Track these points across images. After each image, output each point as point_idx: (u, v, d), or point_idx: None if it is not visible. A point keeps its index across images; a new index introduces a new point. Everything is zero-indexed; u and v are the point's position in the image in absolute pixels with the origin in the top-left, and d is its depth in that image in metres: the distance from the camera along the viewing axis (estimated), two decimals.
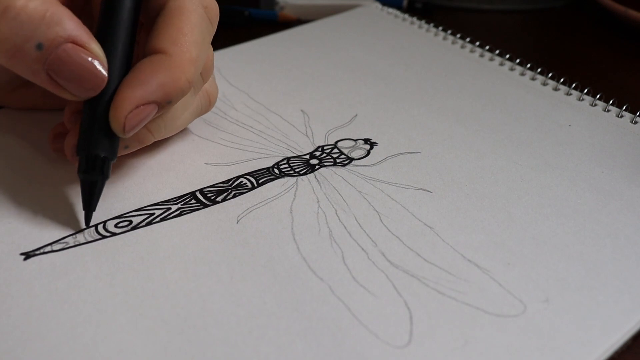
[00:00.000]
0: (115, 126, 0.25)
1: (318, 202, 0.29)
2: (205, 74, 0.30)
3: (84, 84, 0.25)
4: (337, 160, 0.32)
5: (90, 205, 0.26)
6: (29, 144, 0.31)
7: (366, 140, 0.33)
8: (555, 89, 0.39)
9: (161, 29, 0.26)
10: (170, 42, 0.26)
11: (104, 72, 0.25)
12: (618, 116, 0.36)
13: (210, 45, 0.29)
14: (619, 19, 0.50)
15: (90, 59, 0.25)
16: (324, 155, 0.32)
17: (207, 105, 0.32)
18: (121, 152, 0.27)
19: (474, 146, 0.33)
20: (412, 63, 0.41)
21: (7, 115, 0.33)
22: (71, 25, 0.24)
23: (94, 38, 0.25)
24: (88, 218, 0.26)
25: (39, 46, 0.24)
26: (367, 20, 0.48)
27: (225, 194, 0.29)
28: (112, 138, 0.26)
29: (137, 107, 0.25)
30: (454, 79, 0.40)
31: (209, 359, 0.21)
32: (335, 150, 0.32)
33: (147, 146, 0.31)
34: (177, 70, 0.26)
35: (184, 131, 0.33)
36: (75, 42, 0.24)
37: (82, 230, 0.26)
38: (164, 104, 0.26)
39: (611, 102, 0.37)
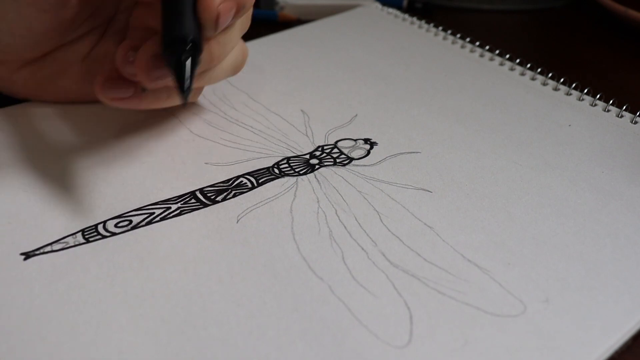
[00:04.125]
0: (208, 15, 0.26)
1: (318, 201, 0.29)
2: (247, 20, 0.31)
3: None
4: (337, 160, 0.32)
5: (186, 82, 0.26)
6: (28, 143, 0.31)
7: (366, 140, 0.33)
8: (555, 89, 0.39)
9: None
10: None
11: None
12: (618, 116, 0.36)
13: None
14: (619, 19, 0.50)
15: None
16: (324, 155, 0.32)
17: (242, 60, 0.33)
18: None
19: (474, 146, 0.33)
20: (412, 63, 0.41)
21: (7, 114, 0.33)
22: None
23: None
24: (187, 95, 0.26)
25: None
26: (367, 20, 0.48)
27: (225, 194, 0.29)
28: (199, 32, 0.26)
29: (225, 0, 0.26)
30: (454, 79, 0.40)
31: (209, 359, 0.21)
32: (335, 150, 0.32)
33: (143, 146, 0.31)
34: None
35: (183, 131, 0.33)
36: None
37: (82, 230, 0.26)
38: (240, 7, 0.27)
39: (611, 102, 0.37)
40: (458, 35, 0.44)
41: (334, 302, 0.24)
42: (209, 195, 0.29)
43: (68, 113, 0.33)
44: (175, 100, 0.31)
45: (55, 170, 0.29)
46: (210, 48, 0.28)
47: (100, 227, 0.27)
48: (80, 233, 0.26)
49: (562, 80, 0.39)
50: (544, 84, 0.39)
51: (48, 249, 0.25)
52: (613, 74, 0.45)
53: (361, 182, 0.30)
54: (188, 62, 0.26)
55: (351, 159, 0.32)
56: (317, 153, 0.32)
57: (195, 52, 0.26)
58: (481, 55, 0.42)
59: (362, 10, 0.49)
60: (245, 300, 0.24)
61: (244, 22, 0.31)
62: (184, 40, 0.26)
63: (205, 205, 0.28)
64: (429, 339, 0.22)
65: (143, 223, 0.27)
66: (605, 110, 0.37)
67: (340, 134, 0.34)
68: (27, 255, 0.25)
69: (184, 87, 0.26)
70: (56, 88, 0.33)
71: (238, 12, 0.27)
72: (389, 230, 0.27)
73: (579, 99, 0.38)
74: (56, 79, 0.32)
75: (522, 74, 0.40)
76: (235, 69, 0.33)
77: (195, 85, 0.28)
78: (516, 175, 0.31)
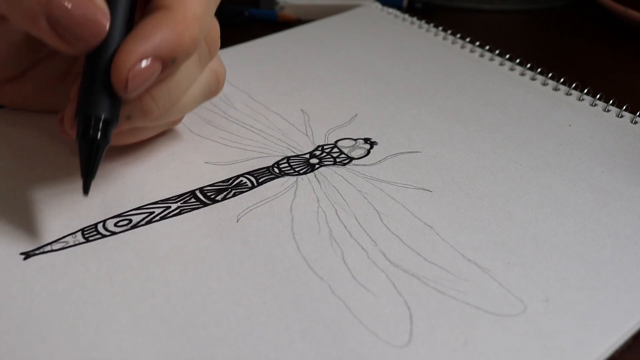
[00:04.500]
0: (117, 83, 0.24)
1: (318, 201, 0.29)
2: (212, 46, 0.28)
3: (84, 34, 0.24)
4: (337, 160, 0.32)
5: (89, 172, 0.24)
6: (28, 143, 0.31)
7: (366, 140, 0.33)
8: (555, 89, 0.39)
9: None
10: None
11: (105, 22, 0.24)
12: (618, 116, 0.36)
13: (215, 18, 0.28)
14: (619, 19, 0.50)
15: (91, 8, 0.24)
16: (324, 154, 0.32)
17: (216, 84, 0.31)
18: (124, 124, 0.26)
19: (474, 146, 0.33)
20: (412, 63, 0.41)
21: (7, 114, 0.33)
22: None
23: None
24: (87, 186, 0.25)
25: None
26: (367, 20, 0.48)
27: (225, 193, 0.29)
28: (114, 100, 0.24)
29: (140, 62, 0.24)
30: (454, 79, 0.40)
31: (209, 359, 0.21)
32: (335, 150, 0.32)
33: (143, 146, 0.31)
34: (182, 26, 0.25)
35: (183, 130, 0.33)
36: None
37: (82, 230, 0.26)
38: (168, 61, 0.25)
39: (611, 102, 0.37)
40: (458, 35, 0.44)
41: (334, 302, 0.24)
42: (209, 194, 0.29)
43: None
44: (139, 137, 0.29)
45: (54, 169, 0.29)
46: (142, 105, 0.26)
47: (100, 227, 0.26)
48: (80, 232, 0.26)
49: (562, 80, 0.39)
50: (544, 84, 0.39)
51: (48, 248, 0.25)
52: (613, 74, 0.45)
53: (361, 182, 0.30)
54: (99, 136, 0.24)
55: (351, 159, 0.32)
56: (317, 152, 0.32)
57: (106, 129, 0.24)
58: (481, 55, 0.42)
59: (362, 10, 0.49)
60: (245, 299, 0.24)
61: (203, 55, 0.28)
62: (88, 118, 0.24)
63: (205, 205, 0.28)
64: (429, 339, 0.22)
65: (143, 222, 0.27)
66: (605, 110, 0.37)
67: (340, 134, 0.34)
68: (27, 255, 0.25)
69: (85, 172, 0.25)
70: (43, 103, 0.32)
71: (167, 67, 0.25)
72: (389, 229, 0.27)
73: (579, 99, 0.38)
74: (41, 94, 0.31)
75: (522, 74, 0.40)
76: (208, 96, 0.31)
77: (162, 109, 0.27)
78: (516, 175, 0.31)
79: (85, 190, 0.25)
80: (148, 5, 0.26)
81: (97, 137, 0.24)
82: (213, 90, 0.31)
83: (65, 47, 0.24)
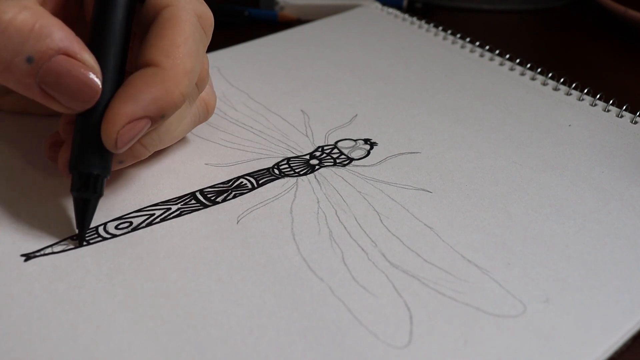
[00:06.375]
0: (108, 142, 0.25)
1: (318, 202, 0.29)
2: (201, 83, 0.29)
3: (78, 96, 0.24)
4: (337, 161, 0.32)
5: (83, 224, 0.26)
6: (29, 145, 0.31)
7: (366, 141, 0.33)
8: (555, 89, 0.39)
9: (154, 40, 0.26)
10: (163, 55, 0.25)
11: (98, 83, 0.24)
12: (618, 116, 0.36)
13: (206, 55, 0.29)
14: (619, 19, 0.50)
15: (83, 70, 0.24)
16: (324, 155, 0.32)
17: (205, 114, 0.31)
18: (115, 167, 0.27)
19: (474, 146, 0.33)
20: (412, 63, 0.41)
21: (7, 118, 0.33)
22: (61, 36, 0.23)
23: (86, 48, 0.24)
24: (82, 237, 0.26)
25: (30, 59, 0.23)
26: (367, 20, 0.48)
27: (225, 195, 0.29)
28: (105, 154, 0.25)
29: (130, 122, 0.24)
30: (454, 79, 0.40)
31: (209, 359, 0.21)
32: (335, 151, 0.32)
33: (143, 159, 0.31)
34: (171, 83, 0.25)
35: None
36: (67, 54, 0.23)
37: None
38: (157, 118, 0.25)
39: (611, 102, 0.37)
40: (458, 35, 0.44)
41: (333, 303, 0.24)
42: (209, 196, 0.29)
43: None
44: (130, 161, 0.29)
45: (55, 171, 0.29)
46: (133, 152, 0.27)
47: (100, 229, 0.27)
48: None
49: (562, 80, 0.39)
50: (544, 84, 0.39)
51: (48, 250, 0.25)
52: (613, 74, 0.45)
53: (361, 183, 0.30)
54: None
55: (351, 160, 0.32)
56: (317, 153, 0.32)
57: (98, 182, 0.25)
58: (481, 55, 0.42)
59: (362, 10, 0.49)
60: (245, 300, 0.24)
61: (192, 94, 0.29)
62: (81, 174, 0.25)
63: (206, 206, 0.28)
64: (429, 339, 0.22)
65: (143, 224, 0.27)
66: (605, 110, 0.37)
67: (340, 134, 0.34)
68: (28, 257, 0.25)
69: (80, 225, 0.26)
70: (44, 110, 0.32)
71: (155, 122, 0.25)
72: (389, 230, 0.27)
73: (579, 99, 0.38)
74: (40, 103, 0.32)
75: (522, 74, 0.40)
76: (197, 124, 0.31)
77: (152, 151, 0.28)
78: (516, 175, 0.31)
79: (80, 241, 0.26)
80: (138, 59, 0.26)
81: (91, 193, 0.25)
82: (202, 118, 0.31)
83: (60, 109, 0.25)
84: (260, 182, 0.30)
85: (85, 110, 0.25)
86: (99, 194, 0.26)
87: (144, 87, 0.25)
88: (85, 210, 0.26)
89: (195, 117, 0.30)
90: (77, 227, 0.26)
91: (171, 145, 0.32)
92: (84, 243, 0.26)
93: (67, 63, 0.24)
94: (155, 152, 0.31)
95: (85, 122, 0.25)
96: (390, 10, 0.49)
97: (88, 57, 0.24)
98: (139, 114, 0.24)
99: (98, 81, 0.24)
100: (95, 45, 0.25)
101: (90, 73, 0.24)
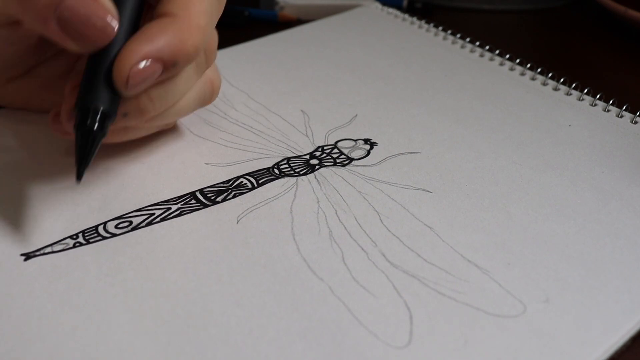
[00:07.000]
0: (119, 79, 0.25)
1: (318, 202, 0.29)
2: (210, 55, 0.29)
3: (94, 34, 0.25)
4: (337, 161, 0.32)
5: (83, 160, 0.25)
6: (29, 144, 0.31)
7: (366, 140, 0.33)
8: (555, 89, 0.39)
9: None
10: (180, 7, 0.26)
11: (115, 23, 0.25)
12: (618, 116, 0.36)
13: (215, 30, 0.29)
14: (619, 19, 0.50)
15: (100, 10, 0.25)
16: (324, 155, 0.32)
17: (211, 93, 0.31)
18: (120, 120, 0.26)
19: (474, 146, 0.33)
20: (412, 63, 0.41)
21: (7, 115, 0.33)
22: None
23: None
24: (80, 173, 0.25)
25: None
26: (367, 20, 0.48)
27: (225, 194, 0.29)
28: (113, 95, 0.25)
29: (142, 61, 0.25)
30: (454, 79, 0.40)
31: (209, 359, 0.21)
32: (335, 151, 0.32)
33: (143, 147, 0.31)
34: (186, 33, 0.26)
35: (184, 131, 0.33)
36: None
37: (82, 231, 0.26)
38: (169, 65, 0.26)
39: (611, 102, 0.37)
40: (458, 35, 0.44)
41: (333, 303, 0.24)
42: (209, 195, 0.29)
43: None
44: (133, 135, 0.30)
45: (55, 170, 0.29)
46: (139, 103, 0.27)
47: (100, 228, 0.27)
48: (80, 234, 0.26)
49: (562, 80, 0.39)
50: (544, 84, 0.39)
51: (48, 249, 0.25)
52: (613, 74, 0.45)
53: (361, 183, 0.30)
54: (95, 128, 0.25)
55: (351, 159, 0.32)
56: (317, 153, 0.32)
57: (103, 122, 0.25)
58: (481, 55, 0.42)
59: (362, 10, 0.49)
60: (245, 300, 0.24)
61: (201, 63, 0.29)
62: (86, 109, 0.25)
63: (206, 206, 0.28)
64: (429, 339, 0.22)
65: (143, 224, 0.27)
66: (605, 110, 0.37)
67: (340, 134, 0.34)
68: (28, 256, 0.25)
69: (79, 160, 0.25)
70: (44, 101, 0.32)
71: (167, 69, 0.26)
72: (389, 230, 0.27)
73: (579, 99, 0.38)
74: (43, 93, 0.32)
75: (522, 74, 0.40)
76: (202, 103, 0.31)
77: (158, 110, 0.27)
78: (516, 175, 0.31)
79: (79, 177, 0.25)
80: (154, 12, 0.27)
81: (94, 127, 0.25)
82: (207, 98, 0.31)
83: (75, 47, 0.25)
84: (260, 181, 0.30)
85: (98, 51, 0.25)
86: (103, 133, 0.25)
87: (159, 32, 0.25)
88: (90, 144, 0.25)
89: (201, 93, 0.31)
90: (77, 163, 0.25)
91: (171, 144, 0.32)
92: (84, 242, 0.26)
93: (86, 1, 0.24)
94: (156, 144, 0.31)
95: (97, 61, 0.25)
96: (390, 10, 0.49)
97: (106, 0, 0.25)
98: (153, 55, 0.25)
99: (115, 22, 0.25)
100: None
101: (108, 14, 0.25)
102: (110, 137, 0.27)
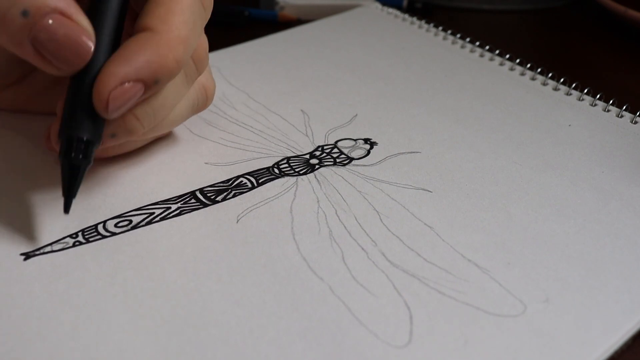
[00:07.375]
0: (98, 104, 0.24)
1: (318, 201, 0.29)
2: (199, 63, 0.28)
3: (69, 56, 0.24)
4: (337, 160, 0.32)
5: (70, 192, 0.25)
6: (29, 144, 0.31)
7: (366, 140, 0.33)
8: (555, 89, 0.39)
9: (151, 8, 0.25)
10: (158, 21, 0.25)
11: (90, 44, 0.24)
12: (618, 116, 0.36)
13: (204, 34, 0.28)
14: (619, 19, 0.50)
15: (76, 30, 0.24)
16: (324, 155, 0.32)
17: (204, 100, 0.31)
18: (108, 141, 0.26)
19: (474, 146, 0.33)
20: (412, 63, 0.41)
21: (6, 117, 0.33)
22: None
23: (82, 12, 0.24)
24: (67, 205, 0.25)
25: (25, 13, 0.23)
26: (367, 20, 0.48)
27: (225, 194, 0.29)
28: (96, 120, 0.25)
29: (122, 84, 0.24)
30: (454, 79, 0.40)
31: (209, 359, 0.21)
32: (335, 150, 0.32)
33: (143, 147, 0.31)
34: (165, 48, 0.25)
35: (183, 131, 0.33)
36: (62, 13, 0.23)
37: (82, 230, 0.26)
38: (150, 83, 0.25)
39: (611, 102, 0.37)
40: (458, 35, 0.44)
41: (333, 302, 0.24)
42: (209, 195, 0.29)
43: None
44: (127, 149, 0.29)
45: (55, 170, 0.29)
46: (126, 124, 0.26)
47: (100, 227, 0.27)
48: (80, 233, 0.26)
49: (562, 80, 0.39)
50: (544, 84, 0.39)
51: (48, 249, 0.25)
52: (613, 74, 0.45)
53: (361, 182, 0.30)
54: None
55: (351, 159, 0.32)
56: (317, 153, 0.32)
57: (87, 149, 0.25)
58: (481, 55, 0.42)
59: (362, 10, 0.49)
60: (245, 300, 0.24)
61: (190, 73, 0.28)
62: (70, 138, 0.24)
63: (205, 205, 0.28)
64: (429, 339, 0.22)
65: (143, 223, 0.27)
66: (605, 110, 0.37)
67: (340, 134, 0.34)
68: (27, 256, 0.25)
69: (66, 191, 0.25)
70: (43, 105, 0.32)
71: (149, 88, 0.25)
72: (389, 230, 0.27)
73: (579, 99, 0.38)
74: (41, 97, 0.32)
75: (522, 74, 0.40)
76: (196, 110, 0.31)
77: (146, 127, 0.27)
78: (516, 175, 0.31)
79: (66, 209, 0.25)
80: (134, 26, 0.26)
81: (78, 158, 0.25)
82: (202, 104, 0.31)
83: (52, 70, 0.24)
84: (260, 181, 0.30)
85: (78, 75, 0.25)
86: (88, 161, 0.25)
87: (138, 50, 0.24)
88: (73, 177, 0.25)
89: (194, 101, 0.30)
90: (64, 195, 0.25)
91: (171, 144, 0.32)
92: (84, 241, 0.26)
93: (62, 22, 0.23)
94: (156, 143, 0.31)
95: (77, 86, 0.25)
96: (390, 10, 0.49)
97: (83, 19, 0.24)
98: (132, 76, 0.24)
99: (90, 43, 0.24)
100: (92, 12, 0.25)
101: (84, 35, 0.24)
102: (102, 153, 0.28)
